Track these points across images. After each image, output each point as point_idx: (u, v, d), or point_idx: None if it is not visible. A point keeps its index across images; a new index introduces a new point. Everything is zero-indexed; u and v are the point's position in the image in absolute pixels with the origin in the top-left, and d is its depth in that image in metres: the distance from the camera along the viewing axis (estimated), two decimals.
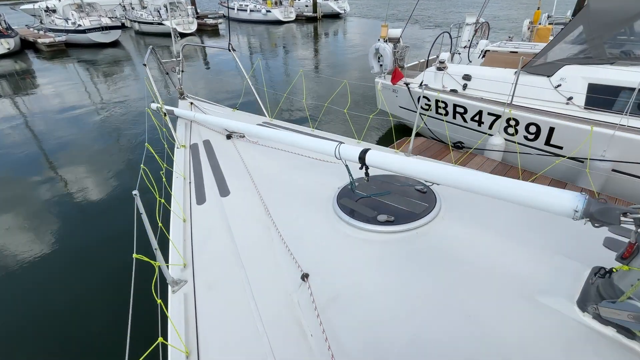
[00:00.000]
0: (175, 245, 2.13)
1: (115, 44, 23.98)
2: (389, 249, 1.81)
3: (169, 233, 2.22)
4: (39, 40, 21.52)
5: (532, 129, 4.90)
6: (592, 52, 4.71)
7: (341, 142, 2.13)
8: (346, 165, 2.16)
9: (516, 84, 4.92)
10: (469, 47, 8.08)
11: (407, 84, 6.48)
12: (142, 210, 1.64)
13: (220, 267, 2.07)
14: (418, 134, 7.04)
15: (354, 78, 12.44)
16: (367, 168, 1.98)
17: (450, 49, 7.37)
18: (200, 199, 2.70)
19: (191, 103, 4.52)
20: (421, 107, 6.42)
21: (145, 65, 3.58)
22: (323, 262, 1.85)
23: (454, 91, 5.92)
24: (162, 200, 2.19)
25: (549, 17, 12.00)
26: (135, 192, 1.58)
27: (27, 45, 22.73)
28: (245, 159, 3.22)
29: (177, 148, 3.49)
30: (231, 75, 14.36)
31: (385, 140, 7.67)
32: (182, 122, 4.04)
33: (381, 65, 7.09)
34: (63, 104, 11.78)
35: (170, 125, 3.48)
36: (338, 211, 2.14)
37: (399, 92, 6.78)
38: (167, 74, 4.54)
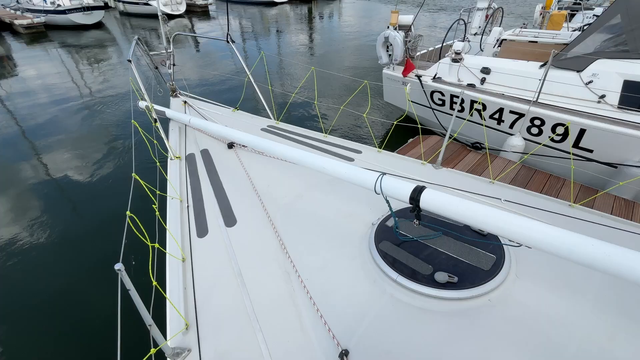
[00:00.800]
0: (174, 304, 1.71)
1: (98, 25, 22.65)
2: (455, 323, 1.42)
3: (165, 288, 1.79)
4: (16, 22, 20.14)
5: (560, 129, 4.50)
6: (629, 45, 4.27)
7: (383, 173, 1.69)
8: (387, 201, 1.72)
9: (544, 79, 4.48)
10: (482, 35, 7.56)
11: (419, 77, 5.99)
12: (129, 285, 1.21)
13: (232, 329, 1.67)
14: (429, 131, 6.60)
15: (356, 67, 11.61)
16: (419, 210, 1.55)
17: (464, 36, 6.85)
18: (202, 229, 2.26)
19: (185, 102, 3.99)
20: (434, 102, 5.97)
21: (130, 61, 3.04)
22: (366, 336, 1.46)
23: (471, 86, 5.46)
24: (157, 246, 1.75)
25: (559, 1, 11.45)
26: (118, 266, 1.14)
27: (3, 27, 21.31)
28: (251, 175, 2.77)
29: (171, 159, 3.00)
30: (225, 58, 13.53)
31: (394, 137, 7.19)
32: (176, 126, 3.53)
33: (390, 55, 6.55)
34: (45, 95, 11.01)
35: (161, 132, 2.98)
36: (378, 260, 1.72)
37: (410, 85, 6.29)
38: (157, 68, 3.98)
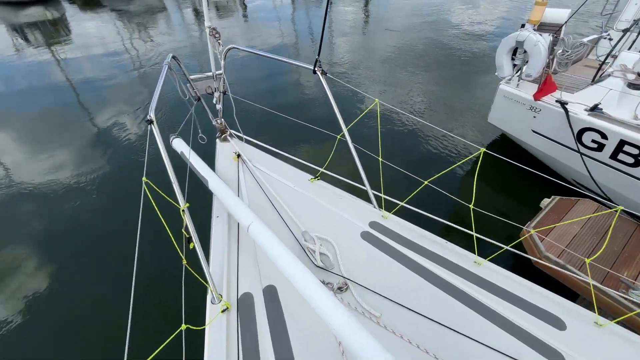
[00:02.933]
0: None
1: None
2: None
3: None
4: None
5: None
6: None
7: None
8: None
9: None
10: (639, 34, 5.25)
11: (563, 104, 4.10)
12: None
13: None
14: (565, 183, 4.71)
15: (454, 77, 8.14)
16: None
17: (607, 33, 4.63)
18: None
19: (238, 156, 2.63)
20: (583, 146, 4.09)
21: (150, 122, 1.68)
22: None
23: None
24: None
25: None
26: None
27: None
28: None
29: (213, 304, 1.70)
30: (287, 45, 11.68)
31: (487, 170, 5.31)
32: (224, 212, 2.20)
33: (515, 65, 4.63)
34: (97, 59, 11.04)
35: (199, 254, 1.66)
36: None
37: (542, 113, 4.41)
38: (199, 99, 2.62)
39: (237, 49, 2.45)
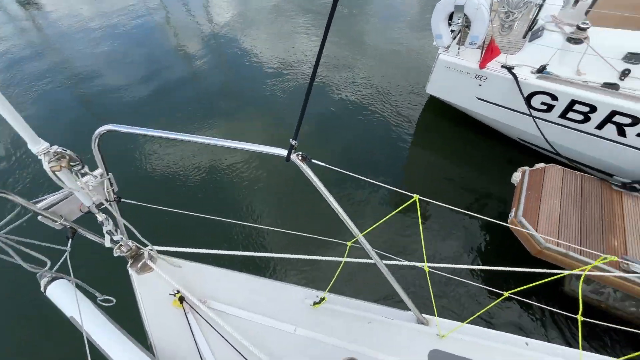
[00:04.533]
0: None
1: None
2: None
3: None
4: None
5: None
6: None
7: None
8: None
9: None
10: None
11: (509, 69, 3.84)
12: None
13: None
14: (528, 149, 4.63)
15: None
16: None
17: None
18: None
19: (180, 299, 1.57)
20: (533, 108, 3.96)
21: None
22: None
23: (610, 86, 3.49)
24: None
25: None
26: None
27: None
28: None
29: None
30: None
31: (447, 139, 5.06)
32: None
33: (452, 31, 4.17)
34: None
35: None
36: None
37: (489, 81, 4.13)
38: (75, 233, 1.40)
39: (118, 132, 1.29)
